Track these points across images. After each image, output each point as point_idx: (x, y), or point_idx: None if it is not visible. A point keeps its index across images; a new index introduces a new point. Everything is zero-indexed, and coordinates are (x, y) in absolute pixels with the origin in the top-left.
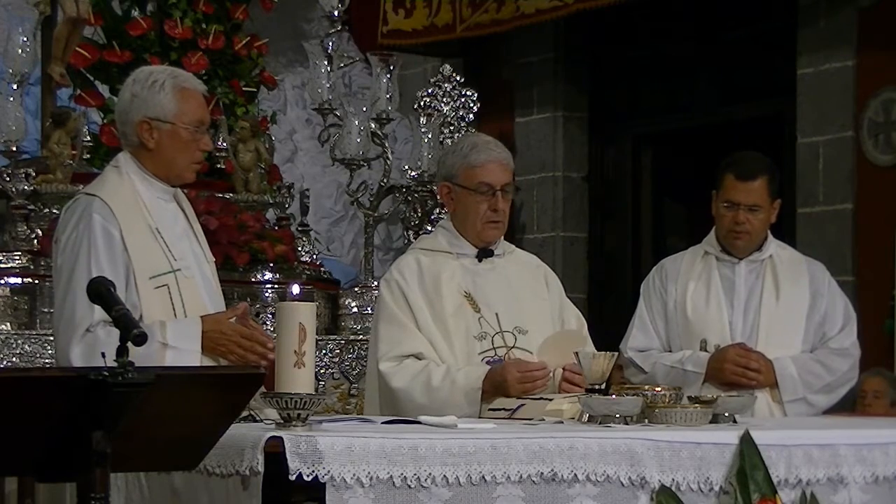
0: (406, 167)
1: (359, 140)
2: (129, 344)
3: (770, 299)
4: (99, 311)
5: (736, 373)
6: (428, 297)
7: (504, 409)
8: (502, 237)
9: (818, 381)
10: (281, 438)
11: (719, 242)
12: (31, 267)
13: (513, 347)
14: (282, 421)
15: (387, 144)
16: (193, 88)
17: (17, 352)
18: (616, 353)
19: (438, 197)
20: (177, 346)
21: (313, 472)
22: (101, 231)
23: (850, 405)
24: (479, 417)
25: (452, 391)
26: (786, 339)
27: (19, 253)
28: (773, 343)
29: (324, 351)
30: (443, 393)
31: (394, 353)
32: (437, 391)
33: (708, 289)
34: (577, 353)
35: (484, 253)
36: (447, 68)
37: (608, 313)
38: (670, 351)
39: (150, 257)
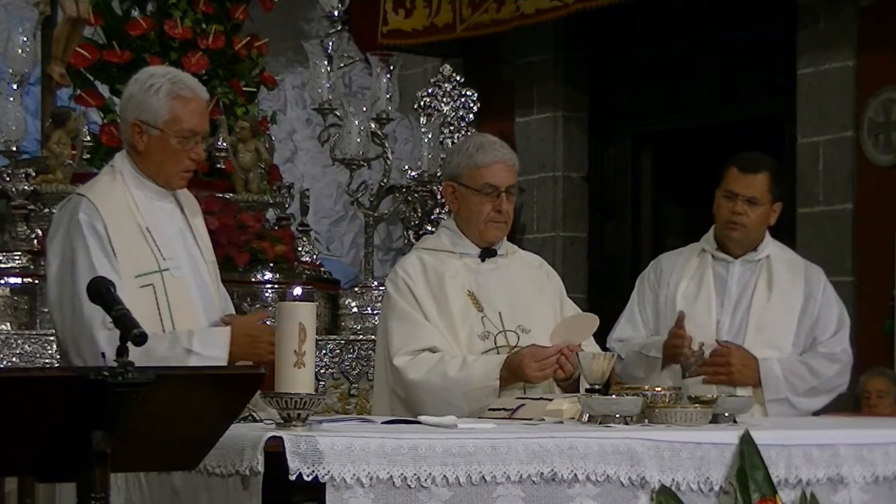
0: (406, 167)
1: (359, 140)
2: (144, 348)
3: (761, 299)
4: None
5: (674, 345)
6: (433, 294)
7: (504, 409)
8: (505, 238)
9: (802, 384)
10: (281, 438)
11: (717, 240)
12: (31, 267)
13: (516, 347)
14: (282, 421)
15: (387, 144)
16: (192, 96)
17: (17, 352)
18: (615, 354)
19: (441, 196)
20: (201, 352)
21: (313, 472)
22: (89, 229)
23: (854, 406)
24: (480, 417)
25: (470, 381)
26: (774, 340)
27: (19, 253)
28: (762, 343)
29: (324, 351)
30: (460, 383)
31: (408, 347)
32: (455, 381)
33: (699, 287)
34: (577, 354)
35: (487, 253)
36: (447, 68)
37: (608, 313)
38: None
39: (136, 256)
